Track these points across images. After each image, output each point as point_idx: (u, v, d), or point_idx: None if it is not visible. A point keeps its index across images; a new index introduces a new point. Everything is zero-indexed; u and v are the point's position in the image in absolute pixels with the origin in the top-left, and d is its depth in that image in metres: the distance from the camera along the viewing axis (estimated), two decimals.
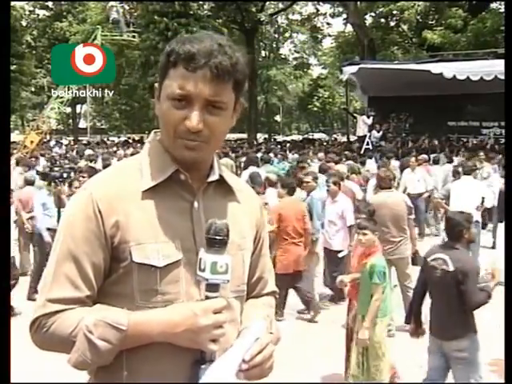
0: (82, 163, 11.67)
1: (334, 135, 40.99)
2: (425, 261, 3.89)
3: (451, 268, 3.63)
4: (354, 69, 19.13)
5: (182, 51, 1.25)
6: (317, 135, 42.00)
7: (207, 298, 1.24)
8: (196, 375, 1.23)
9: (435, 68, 17.26)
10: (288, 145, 23.18)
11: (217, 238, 1.23)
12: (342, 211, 6.65)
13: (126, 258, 1.26)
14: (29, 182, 8.33)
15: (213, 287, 1.24)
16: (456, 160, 12.60)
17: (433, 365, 3.82)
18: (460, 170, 8.28)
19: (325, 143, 25.68)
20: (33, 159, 12.71)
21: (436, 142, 18.67)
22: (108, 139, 31.99)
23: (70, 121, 46.65)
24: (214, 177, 1.38)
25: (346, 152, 15.31)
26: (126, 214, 1.27)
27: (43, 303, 1.25)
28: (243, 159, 13.22)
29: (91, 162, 11.64)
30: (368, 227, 4.21)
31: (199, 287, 1.28)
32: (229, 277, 1.23)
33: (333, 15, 36.52)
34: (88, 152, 16.59)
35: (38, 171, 10.29)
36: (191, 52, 1.23)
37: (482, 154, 13.05)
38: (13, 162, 11.34)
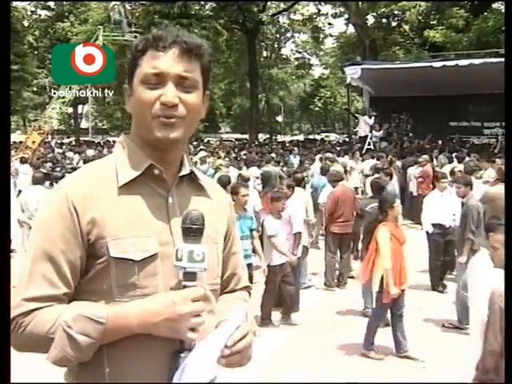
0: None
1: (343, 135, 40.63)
2: (362, 210, 6.82)
3: None
4: (356, 73, 19.00)
5: (150, 37, 1.31)
6: (331, 136, 41.34)
7: (185, 287, 1.25)
8: (175, 364, 1.23)
9: (437, 64, 17.35)
10: (288, 145, 23.16)
11: (193, 226, 1.25)
12: (289, 216, 6.13)
13: (104, 254, 1.25)
14: (36, 182, 8.30)
15: (190, 276, 1.25)
16: (456, 161, 12.52)
17: None
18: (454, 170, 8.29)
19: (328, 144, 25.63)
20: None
21: (439, 142, 18.63)
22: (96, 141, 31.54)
23: (72, 121, 46.69)
24: (185, 171, 1.40)
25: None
26: (101, 211, 1.27)
27: (19, 303, 1.22)
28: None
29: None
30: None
31: (177, 280, 1.28)
32: (205, 265, 1.24)
33: (334, 15, 36.50)
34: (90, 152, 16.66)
35: (40, 171, 10.27)
36: (159, 34, 1.30)
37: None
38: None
